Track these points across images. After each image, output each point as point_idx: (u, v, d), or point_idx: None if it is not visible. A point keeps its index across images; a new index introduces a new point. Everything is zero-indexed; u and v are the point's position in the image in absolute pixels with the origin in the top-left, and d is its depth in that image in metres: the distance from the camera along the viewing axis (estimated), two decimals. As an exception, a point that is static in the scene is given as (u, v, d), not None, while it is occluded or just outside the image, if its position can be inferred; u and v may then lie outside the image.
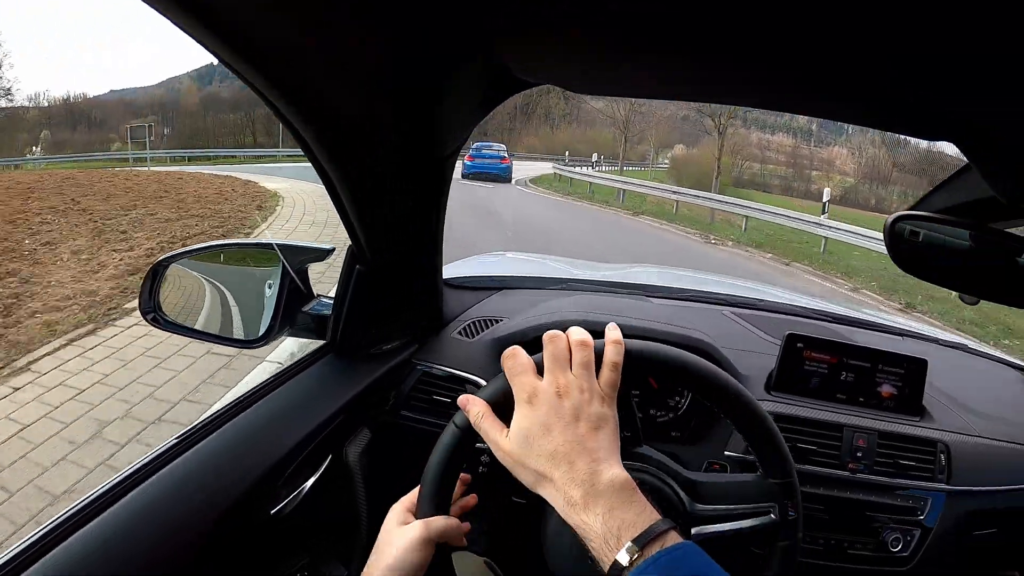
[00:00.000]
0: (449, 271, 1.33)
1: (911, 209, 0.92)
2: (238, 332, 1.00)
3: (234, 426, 0.84)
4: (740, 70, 0.57)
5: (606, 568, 0.53)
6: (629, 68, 0.62)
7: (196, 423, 0.83)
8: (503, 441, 0.60)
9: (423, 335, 1.10)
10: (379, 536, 0.68)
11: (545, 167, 27.94)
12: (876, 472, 1.06)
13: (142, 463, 0.74)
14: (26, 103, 47.78)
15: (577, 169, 23.98)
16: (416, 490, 0.70)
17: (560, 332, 0.63)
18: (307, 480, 0.90)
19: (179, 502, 0.72)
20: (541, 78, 0.67)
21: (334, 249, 0.98)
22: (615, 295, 1.38)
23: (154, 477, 0.72)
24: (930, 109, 0.61)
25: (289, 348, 3.59)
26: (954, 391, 1.24)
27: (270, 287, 0.98)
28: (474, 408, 0.63)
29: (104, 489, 0.69)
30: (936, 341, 1.52)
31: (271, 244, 0.98)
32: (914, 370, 1.13)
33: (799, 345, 1.11)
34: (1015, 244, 0.89)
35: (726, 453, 1.05)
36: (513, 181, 21.07)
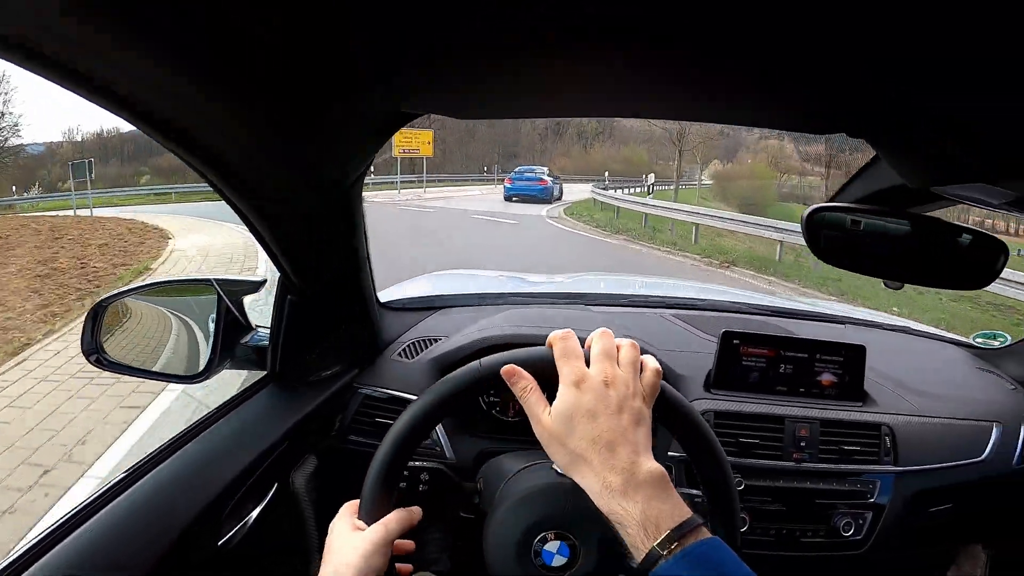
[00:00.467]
0: (390, 293, 1.36)
1: (829, 201, 0.92)
2: (180, 367, 1.04)
3: (175, 461, 0.86)
4: (626, 81, 0.58)
5: (640, 556, 0.55)
6: (508, 91, 0.63)
7: (137, 462, 0.85)
8: (545, 417, 0.61)
9: (363, 359, 1.12)
10: (329, 543, 0.67)
11: (582, 190, 23.86)
12: (821, 460, 1.07)
13: (84, 503, 0.74)
14: (60, 138, 49.15)
15: (618, 193, 19.88)
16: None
17: (608, 329, 0.65)
18: (253, 510, 0.92)
19: (123, 541, 0.72)
20: (425, 108, 0.69)
21: (265, 281, 1.02)
22: (554, 306, 1.39)
23: (96, 516, 0.73)
24: (826, 108, 0.61)
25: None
26: (897, 374, 1.24)
27: (212, 321, 1.02)
28: (522, 381, 0.64)
29: (44, 533, 0.69)
30: (879, 326, 1.51)
31: (209, 280, 1.02)
32: (853, 357, 1.13)
33: (735, 342, 1.12)
34: (937, 228, 0.89)
35: (669, 454, 1.05)
36: (545, 212, 17.89)
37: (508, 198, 20.74)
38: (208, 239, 12.12)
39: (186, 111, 0.54)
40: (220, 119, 0.57)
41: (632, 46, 0.48)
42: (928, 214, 0.91)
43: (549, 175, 22.42)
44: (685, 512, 0.56)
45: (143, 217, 16.52)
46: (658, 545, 0.53)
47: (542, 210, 18.24)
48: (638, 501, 0.56)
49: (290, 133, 0.63)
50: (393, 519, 0.66)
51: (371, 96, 0.61)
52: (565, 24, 0.44)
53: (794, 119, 0.66)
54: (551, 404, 0.62)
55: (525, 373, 0.64)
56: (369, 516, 0.67)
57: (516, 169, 23.34)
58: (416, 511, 0.70)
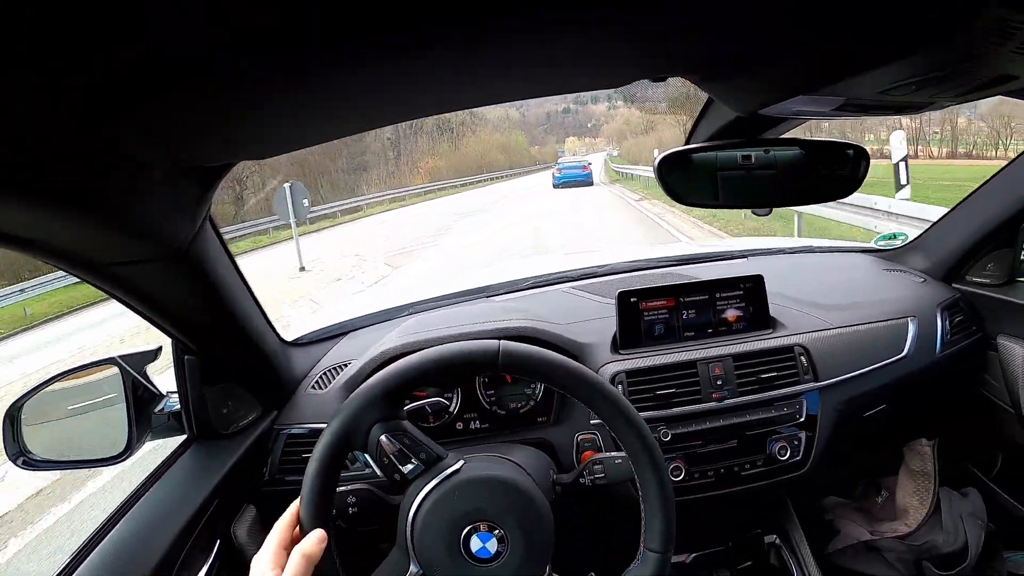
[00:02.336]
0: (299, 330, 1.36)
1: (683, 145, 0.93)
2: (103, 450, 1.03)
3: (111, 541, 0.85)
4: (427, 78, 0.55)
5: None
6: (314, 115, 0.62)
7: (72, 551, 0.84)
8: None
9: (279, 400, 1.12)
10: None
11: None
12: (742, 393, 1.09)
13: None
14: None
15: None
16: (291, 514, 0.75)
17: None
18: (200, 571, 0.92)
19: None
20: (223, 157, 0.67)
21: (161, 348, 1.02)
22: (456, 305, 1.40)
23: None
24: (627, 58, 0.61)
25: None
26: (805, 293, 1.27)
27: (123, 398, 1.01)
28: None
29: None
30: (781, 251, 1.54)
31: (112, 357, 1.01)
32: (751, 287, 1.16)
33: (632, 300, 1.14)
34: (793, 148, 0.90)
35: (592, 422, 1.07)
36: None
37: (556, 186, 22.81)
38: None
39: None
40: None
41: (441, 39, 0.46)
42: (785, 136, 0.93)
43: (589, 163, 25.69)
44: None
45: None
46: None
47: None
48: None
49: (77, 206, 0.59)
50: (312, 548, 0.69)
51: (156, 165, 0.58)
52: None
53: (594, 76, 0.66)
54: None
55: None
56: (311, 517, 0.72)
57: (558, 163, 27.02)
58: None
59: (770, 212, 0.94)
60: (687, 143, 0.93)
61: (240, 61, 0.44)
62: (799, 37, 0.54)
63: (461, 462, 0.77)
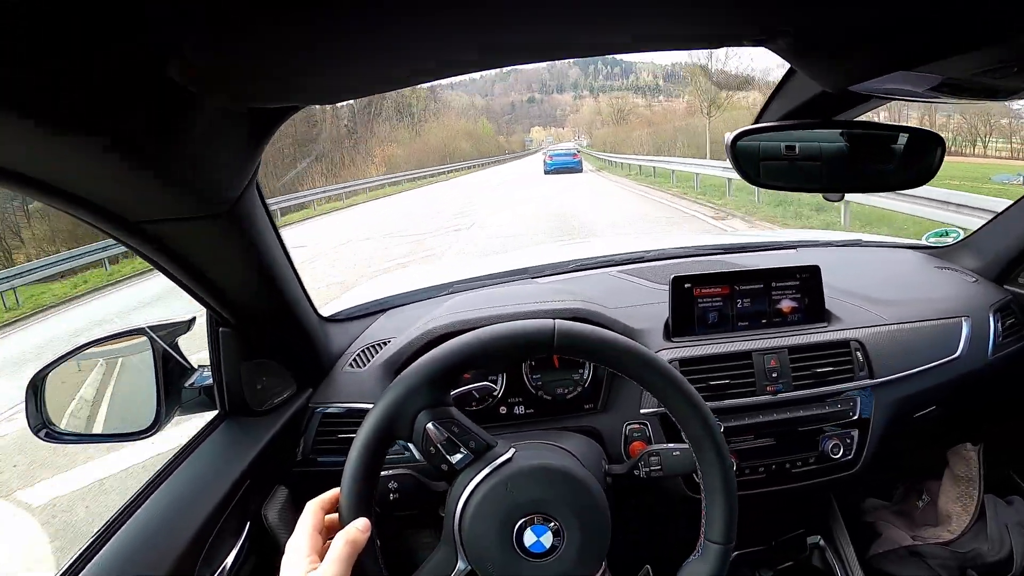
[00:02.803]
0: (335, 306, 1.32)
1: (754, 123, 0.89)
2: (130, 424, 0.99)
3: (139, 518, 0.82)
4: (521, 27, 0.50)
5: None
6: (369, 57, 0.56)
7: (100, 527, 0.81)
8: None
9: (314, 378, 1.08)
10: None
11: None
12: (796, 387, 1.06)
13: None
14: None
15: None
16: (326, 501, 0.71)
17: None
18: (229, 554, 0.88)
19: None
20: (284, 99, 0.63)
21: (195, 318, 0.97)
22: (500, 285, 1.36)
23: None
24: (725, 16, 0.57)
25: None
26: (858, 287, 1.24)
27: (152, 370, 0.97)
28: None
29: None
30: (830, 244, 1.52)
31: (142, 328, 0.97)
32: (808, 278, 1.12)
33: (687, 286, 1.10)
34: (871, 131, 0.87)
35: (642, 412, 1.04)
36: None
37: (547, 173, 24.29)
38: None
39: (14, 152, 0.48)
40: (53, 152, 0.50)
41: None
42: (860, 118, 0.89)
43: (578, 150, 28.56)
44: None
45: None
46: None
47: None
48: None
49: (125, 158, 0.53)
50: (356, 537, 0.65)
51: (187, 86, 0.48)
52: None
53: (690, 33, 0.62)
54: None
55: None
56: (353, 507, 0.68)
57: (548, 151, 29.04)
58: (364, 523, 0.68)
59: (843, 197, 0.91)
60: (757, 121, 0.89)
61: None
62: (917, 7, 0.50)
63: (512, 450, 0.72)
